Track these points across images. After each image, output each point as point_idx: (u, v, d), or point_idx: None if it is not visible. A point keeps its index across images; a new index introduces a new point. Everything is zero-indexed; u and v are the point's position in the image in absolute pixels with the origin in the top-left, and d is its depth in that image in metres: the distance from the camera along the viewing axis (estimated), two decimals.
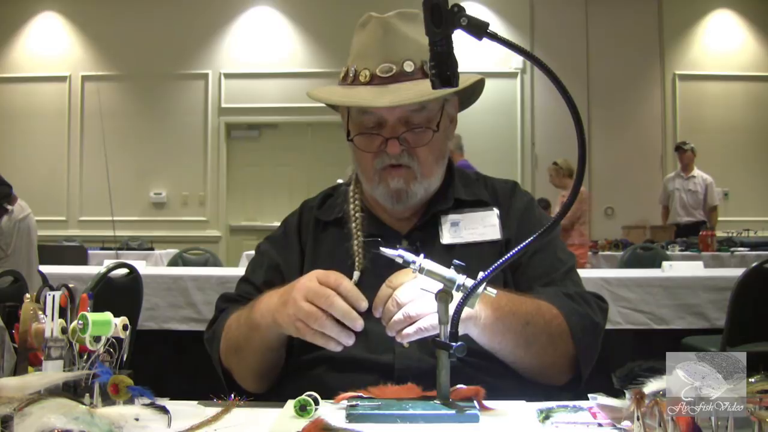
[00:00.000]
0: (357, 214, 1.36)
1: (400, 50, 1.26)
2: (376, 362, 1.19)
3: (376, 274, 1.27)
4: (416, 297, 1.05)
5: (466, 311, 1.06)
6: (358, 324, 1.06)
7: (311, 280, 1.09)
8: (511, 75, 8.04)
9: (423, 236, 1.32)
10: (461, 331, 1.07)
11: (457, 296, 1.00)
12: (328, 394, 1.03)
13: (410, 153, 1.27)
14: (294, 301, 1.08)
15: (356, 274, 1.29)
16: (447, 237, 1.32)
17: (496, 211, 1.35)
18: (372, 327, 1.23)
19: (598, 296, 1.30)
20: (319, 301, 1.05)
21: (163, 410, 0.85)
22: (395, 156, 1.26)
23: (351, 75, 1.29)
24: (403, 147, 1.26)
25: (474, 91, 1.40)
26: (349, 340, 1.07)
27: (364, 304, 1.06)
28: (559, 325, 1.19)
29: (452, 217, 1.34)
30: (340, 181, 1.63)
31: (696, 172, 7.14)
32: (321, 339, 1.07)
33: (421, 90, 1.21)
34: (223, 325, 1.31)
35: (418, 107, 1.25)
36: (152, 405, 0.86)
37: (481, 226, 1.33)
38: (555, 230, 1.37)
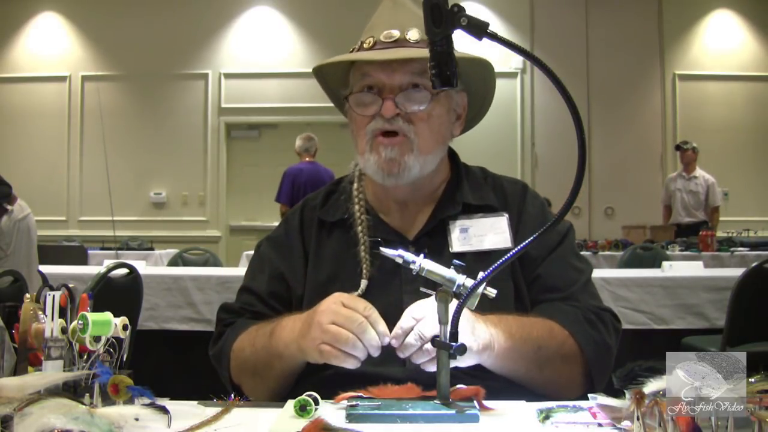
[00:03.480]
0: (362, 217, 1.31)
1: (406, 22, 1.26)
2: (385, 376, 1.14)
3: (382, 282, 1.26)
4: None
5: (485, 341, 1.07)
6: (378, 352, 1.06)
7: (337, 303, 1.07)
8: (511, 75, 8.03)
9: (431, 242, 1.28)
10: (476, 361, 1.08)
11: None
12: None
13: (406, 119, 1.24)
14: (319, 325, 1.06)
15: (364, 283, 1.25)
16: (457, 245, 1.28)
17: (505, 216, 1.31)
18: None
19: (614, 314, 1.29)
20: (351, 326, 1.04)
21: (163, 410, 0.85)
22: (389, 120, 1.23)
23: (357, 46, 1.30)
24: (399, 111, 1.23)
25: (485, 96, 1.38)
26: (365, 357, 1.07)
27: (387, 339, 1.05)
28: (571, 347, 1.19)
29: (461, 222, 1.30)
30: None
31: (698, 172, 7.14)
32: (348, 361, 1.06)
33: (421, 52, 1.19)
34: (231, 344, 1.28)
35: (419, 73, 1.22)
36: (152, 405, 0.86)
37: (492, 233, 1.29)
38: (570, 236, 1.35)
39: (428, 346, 1.03)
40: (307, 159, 6.36)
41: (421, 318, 1.05)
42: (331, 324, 1.05)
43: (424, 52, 1.17)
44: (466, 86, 1.34)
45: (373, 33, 1.27)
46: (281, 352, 1.15)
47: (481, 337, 1.08)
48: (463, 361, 1.05)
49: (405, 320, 1.06)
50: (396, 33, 1.25)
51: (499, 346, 1.10)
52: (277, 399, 1.22)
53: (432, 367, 1.03)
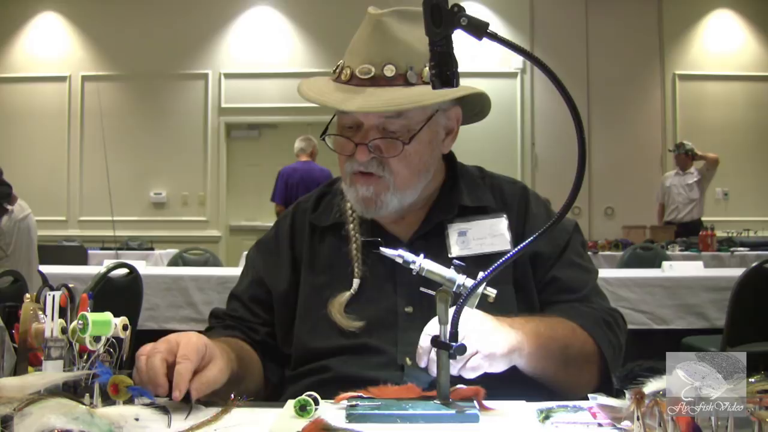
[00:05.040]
0: (354, 215, 1.30)
1: (384, 52, 1.19)
2: (382, 381, 1.11)
3: (375, 283, 1.24)
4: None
5: (511, 343, 1.07)
6: (151, 395, 0.98)
7: (170, 339, 1.04)
8: (511, 75, 8.03)
9: (426, 244, 1.24)
10: (507, 364, 1.07)
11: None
12: None
13: (381, 162, 1.21)
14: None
15: (356, 282, 1.24)
16: (456, 249, 1.26)
17: (504, 218, 1.29)
18: (376, 344, 1.20)
19: (621, 314, 1.31)
20: (145, 355, 1.01)
21: (163, 410, 0.85)
22: (363, 163, 1.21)
23: (338, 71, 1.24)
24: (374, 155, 1.20)
25: (483, 106, 1.34)
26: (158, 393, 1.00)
27: (176, 394, 0.98)
28: (591, 347, 1.21)
29: (458, 225, 1.28)
30: None
31: (693, 169, 7.18)
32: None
33: (393, 97, 1.16)
34: None
35: (395, 114, 1.19)
36: (152, 405, 0.86)
37: (490, 235, 1.27)
38: (575, 234, 1.34)
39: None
40: (303, 159, 6.35)
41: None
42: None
43: (397, 96, 1.15)
44: (458, 100, 1.28)
45: (351, 63, 1.21)
46: None
47: (504, 340, 1.07)
48: (495, 367, 1.05)
49: (423, 339, 1.05)
50: (372, 69, 1.18)
51: (530, 346, 1.11)
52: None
53: (471, 374, 1.04)
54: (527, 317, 1.17)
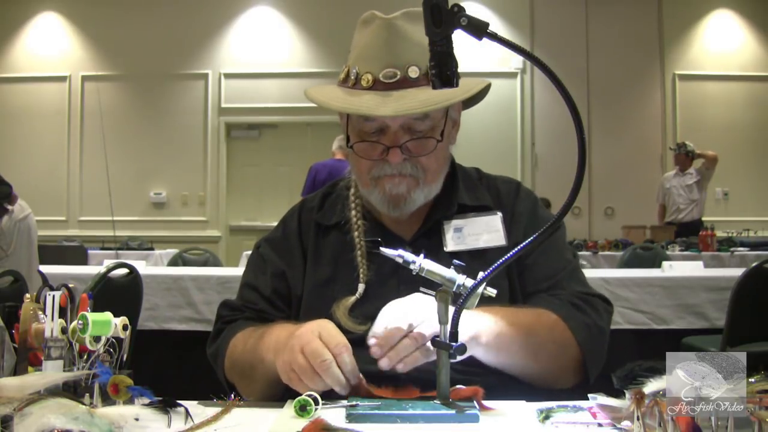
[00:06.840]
0: (359, 222, 1.32)
1: (405, 54, 1.20)
2: (386, 374, 1.10)
3: (380, 285, 1.25)
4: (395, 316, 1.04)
5: (466, 333, 1.05)
6: (344, 390, 1.03)
7: (314, 332, 1.04)
8: (511, 75, 8.03)
9: (428, 243, 1.27)
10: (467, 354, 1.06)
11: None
12: None
13: (413, 162, 1.24)
14: (291, 350, 1.04)
15: (361, 287, 1.25)
16: (451, 244, 1.28)
17: (499, 215, 1.31)
18: None
19: (604, 298, 1.29)
20: (315, 362, 1.01)
21: (163, 410, 0.85)
22: (396, 165, 1.23)
23: (352, 78, 1.24)
24: (405, 156, 1.23)
25: (478, 96, 1.35)
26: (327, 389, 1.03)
27: (355, 380, 1.02)
28: (563, 331, 1.18)
29: (455, 222, 1.30)
30: None
31: (692, 169, 7.18)
32: (307, 391, 1.02)
33: (426, 98, 1.18)
34: (227, 342, 1.27)
35: (422, 115, 1.21)
36: (152, 405, 0.86)
37: (486, 232, 1.30)
38: (559, 232, 1.35)
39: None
40: (337, 157, 6.30)
41: (420, 320, 1.03)
42: (301, 354, 1.03)
43: (430, 96, 1.17)
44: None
45: (370, 68, 1.21)
46: (263, 356, 1.15)
47: (462, 328, 1.05)
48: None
49: (385, 323, 1.05)
50: (397, 72, 1.20)
51: (487, 335, 1.10)
52: (269, 400, 1.21)
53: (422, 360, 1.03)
54: (486, 307, 1.15)
